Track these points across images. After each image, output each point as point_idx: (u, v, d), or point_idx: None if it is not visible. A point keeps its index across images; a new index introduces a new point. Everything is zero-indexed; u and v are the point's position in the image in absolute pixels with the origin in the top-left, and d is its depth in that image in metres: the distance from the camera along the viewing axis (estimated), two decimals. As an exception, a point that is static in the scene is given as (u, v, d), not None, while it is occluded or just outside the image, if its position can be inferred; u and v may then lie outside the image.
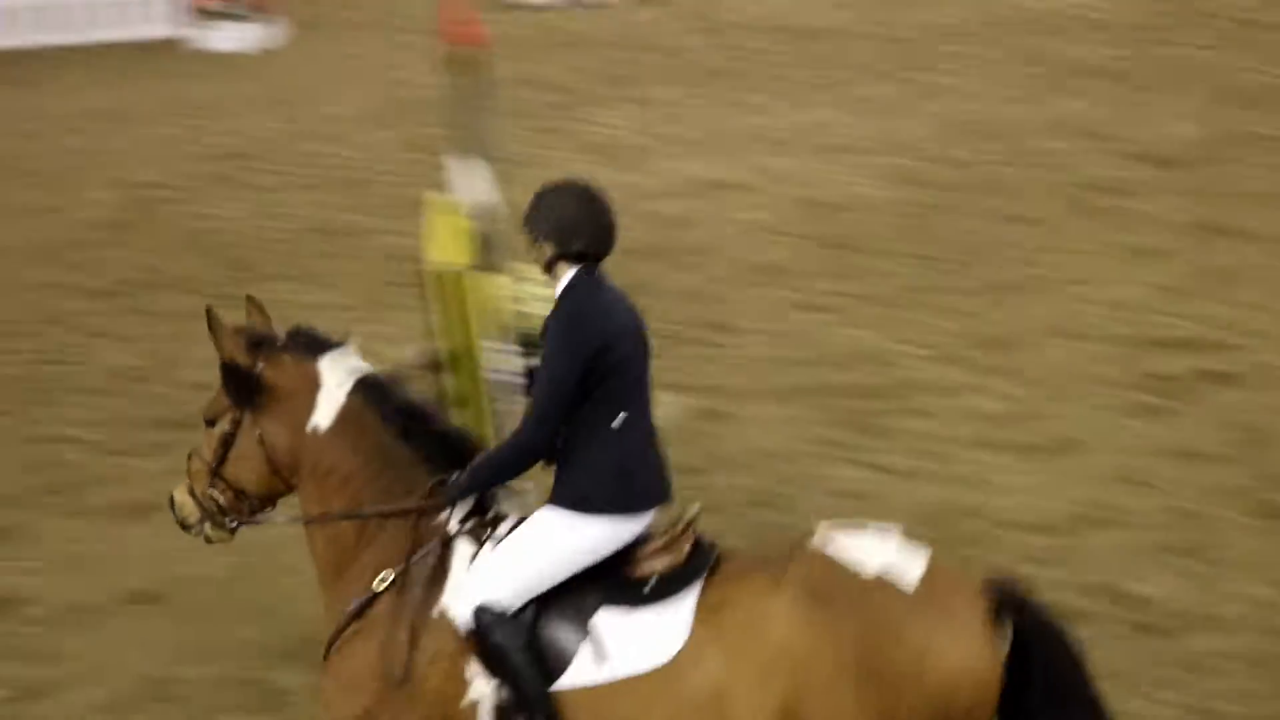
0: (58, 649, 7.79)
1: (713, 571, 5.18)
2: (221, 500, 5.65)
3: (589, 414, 5.23)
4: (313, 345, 5.58)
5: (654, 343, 5.34)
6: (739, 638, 5.01)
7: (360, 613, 5.32)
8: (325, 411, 5.47)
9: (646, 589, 5.16)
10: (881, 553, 5.07)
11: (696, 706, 5.00)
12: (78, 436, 9.83)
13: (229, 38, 18.20)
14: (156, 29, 18.63)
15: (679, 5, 18.63)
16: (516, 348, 9.56)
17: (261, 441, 5.53)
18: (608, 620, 5.16)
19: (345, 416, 5.46)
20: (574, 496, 5.22)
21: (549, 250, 5.31)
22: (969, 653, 4.96)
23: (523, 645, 5.18)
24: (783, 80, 15.70)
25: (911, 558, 5.07)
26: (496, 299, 8.03)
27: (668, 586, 5.15)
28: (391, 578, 5.30)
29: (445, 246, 5.72)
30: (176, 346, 10.96)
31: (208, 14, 18.26)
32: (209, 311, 5.71)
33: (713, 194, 12.96)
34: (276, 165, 14.29)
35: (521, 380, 6.46)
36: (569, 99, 15.58)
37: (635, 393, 5.28)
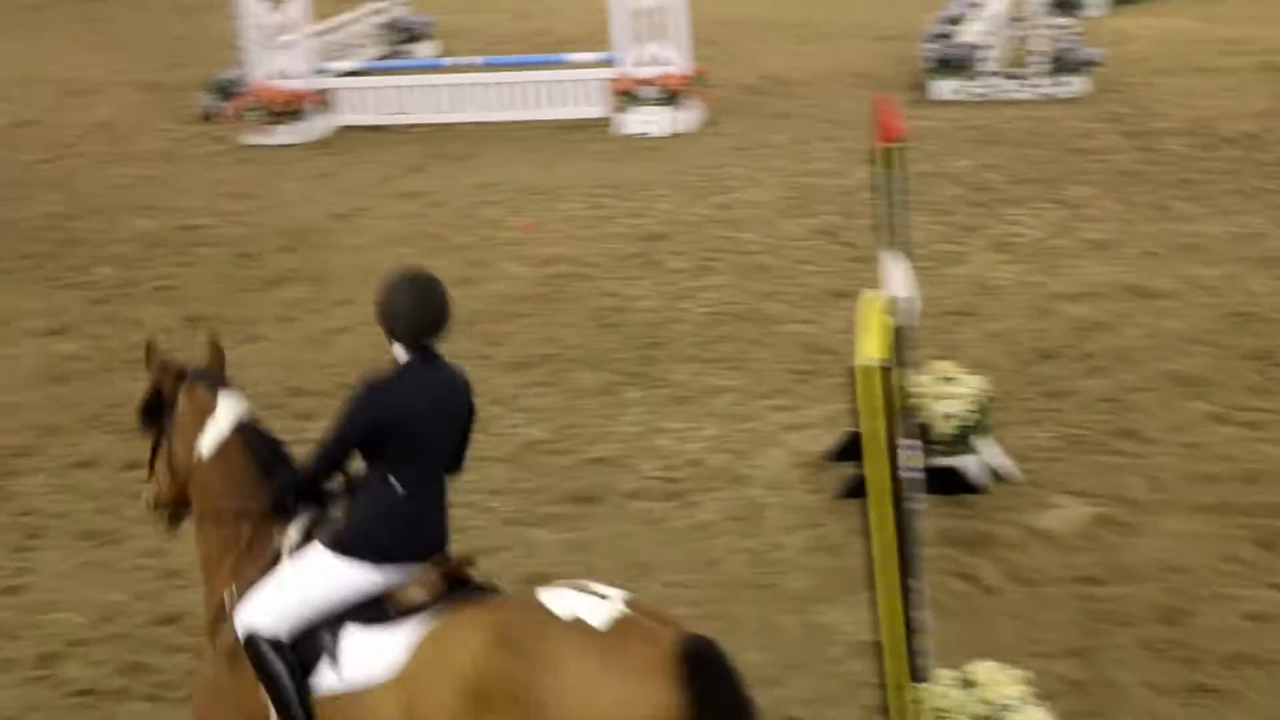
0: None
1: (456, 607, 5.79)
2: (153, 498, 6.66)
3: (371, 473, 6.07)
4: (217, 384, 6.55)
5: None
6: (435, 663, 5.61)
7: (219, 614, 6.28)
8: (210, 439, 6.44)
9: (390, 613, 5.86)
10: (588, 605, 5.53)
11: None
12: (484, 504, 10.03)
13: (646, 121, 18.51)
14: (589, 109, 19.05)
15: (1100, 105, 18.30)
16: (918, 443, 9.47)
17: (169, 455, 6.52)
18: (351, 638, 5.88)
19: (223, 446, 6.43)
20: (338, 540, 6.05)
21: (384, 333, 6.12)
22: (631, 697, 5.32)
23: (280, 659, 5.96)
24: (1207, 186, 15.27)
25: (612, 609, 5.52)
26: (904, 395, 7.99)
27: (407, 613, 5.83)
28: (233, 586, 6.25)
29: (873, 341, 5.71)
30: (585, 421, 11.12)
31: (627, 97, 18.59)
32: (149, 344, 6.76)
33: (1129, 298, 12.65)
34: (689, 248, 14.45)
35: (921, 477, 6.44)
36: (984, 196, 15.41)
37: (418, 463, 6.05)
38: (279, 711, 5.95)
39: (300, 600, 5.97)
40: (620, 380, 11.76)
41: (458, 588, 5.97)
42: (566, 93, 19.18)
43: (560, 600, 5.58)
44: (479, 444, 10.71)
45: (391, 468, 6.03)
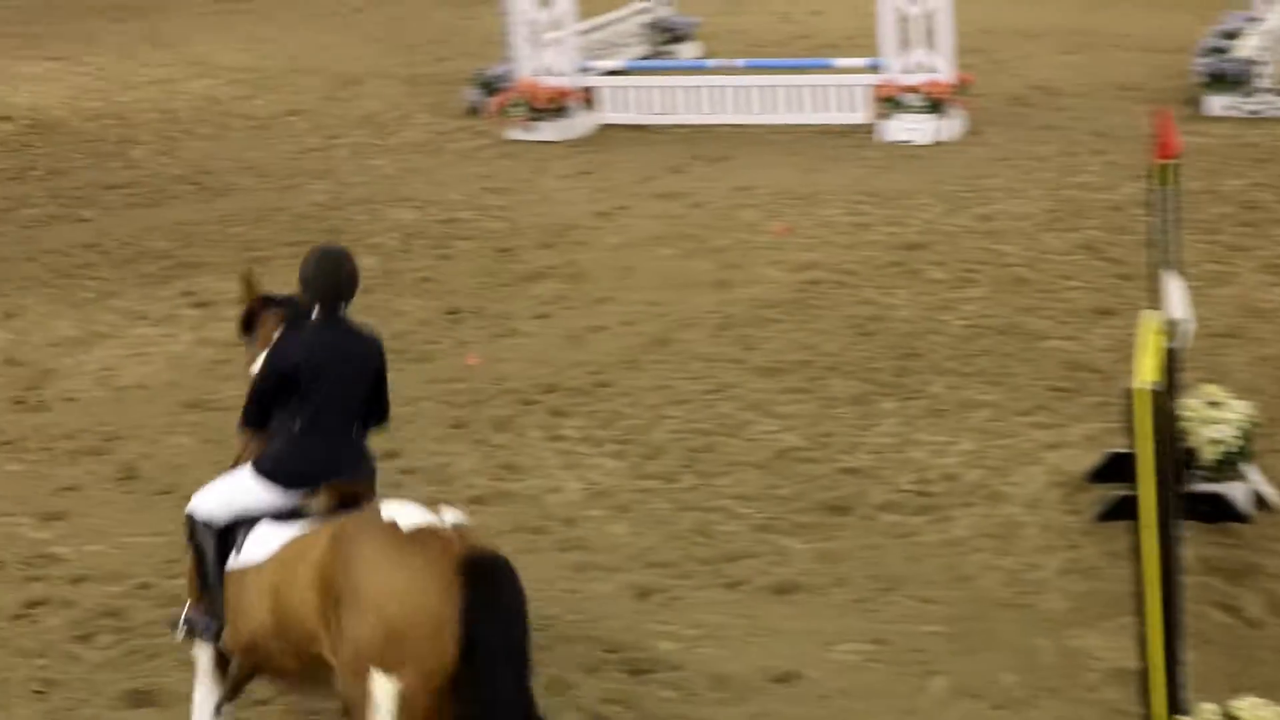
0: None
1: (334, 517, 6.98)
2: None
3: (282, 413, 7.34)
4: (288, 307, 7.97)
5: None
6: (298, 554, 6.88)
7: None
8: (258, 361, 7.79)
9: (287, 515, 7.19)
10: (409, 514, 6.70)
11: (263, 592, 6.97)
12: (732, 509, 9.97)
13: (909, 129, 18.31)
14: (852, 115, 18.91)
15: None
16: (1200, 470, 9.21)
17: (248, 361, 7.96)
18: (257, 530, 7.18)
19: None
20: (258, 463, 7.36)
21: (301, 296, 7.50)
22: (410, 590, 6.43)
23: (208, 536, 7.39)
24: None
25: (423, 518, 6.67)
26: (1183, 420, 7.77)
27: (298, 516, 7.14)
28: None
29: (1149, 363, 5.56)
30: (839, 430, 11.01)
31: (890, 103, 18.40)
32: (246, 273, 8.44)
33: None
34: (948, 259, 14.24)
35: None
36: (1255, 215, 14.98)
37: (316, 406, 7.26)
38: (199, 577, 7.48)
39: (228, 502, 7.36)
40: (875, 390, 11.63)
41: (350, 506, 7.07)
42: (829, 97, 19.04)
43: (391, 509, 6.79)
44: (731, 449, 10.75)
45: (296, 409, 7.29)
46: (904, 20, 18.49)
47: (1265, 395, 10.96)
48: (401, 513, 6.70)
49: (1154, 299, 8.87)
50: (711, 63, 20.51)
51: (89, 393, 12.33)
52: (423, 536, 6.56)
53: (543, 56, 19.51)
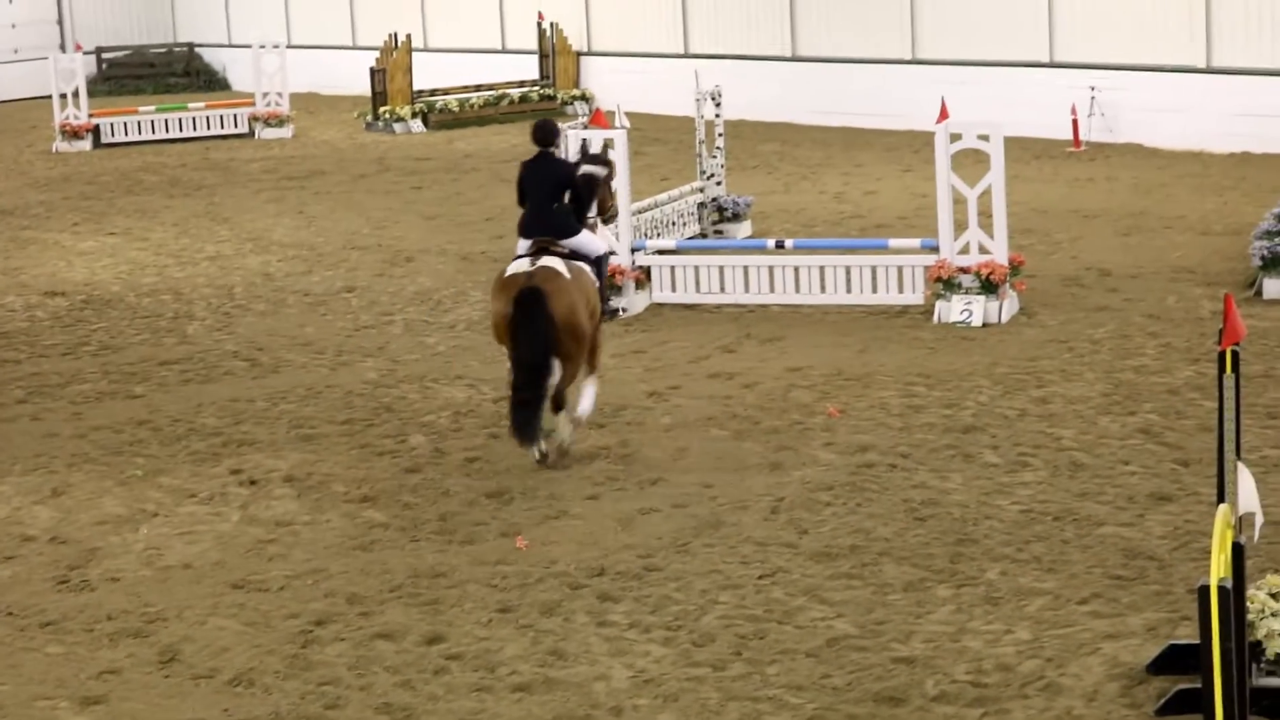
0: None
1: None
2: None
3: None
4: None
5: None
6: (510, 274, 13.87)
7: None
8: None
9: (525, 255, 14.19)
10: (518, 265, 13.94)
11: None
12: (783, 699, 9.76)
13: (963, 310, 18.23)
14: (906, 295, 18.91)
15: None
16: (1265, 664, 8.97)
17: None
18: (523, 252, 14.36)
19: None
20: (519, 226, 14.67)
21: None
22: (500, 302, 13.79)
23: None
24: None
25: (520, 269, 13.90)
26: (1248, 613, 7.57)
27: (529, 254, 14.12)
28: None
29: (1221, 559, 5.41)
30: (892, 617, 10.80)
31: (944, 284, 18.35)
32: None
33: None
34: (1003, 442, 14.09)
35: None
36: (1313, 400, 14.79)
37: (531, 197, 14.46)
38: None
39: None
40: (930, 576, 11.43)
41: (545, 254, 13.97)
42: (883, 278, 19.01)
43: (514, 265, 13.98)
44: (782, 636, 10.55)
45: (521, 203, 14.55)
46: (958, 201, 18.49)
47: (1329, 586, 10.72)
48: (512, 265, 13.98)
49: (1221, 490, 8.68)
50: (766, 242, 20.51)
51: (134, 572, 12.22)
52: (511, 278, 13.78)
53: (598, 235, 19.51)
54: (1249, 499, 8.45)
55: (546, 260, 13.75)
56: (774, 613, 10.97)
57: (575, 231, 14.26)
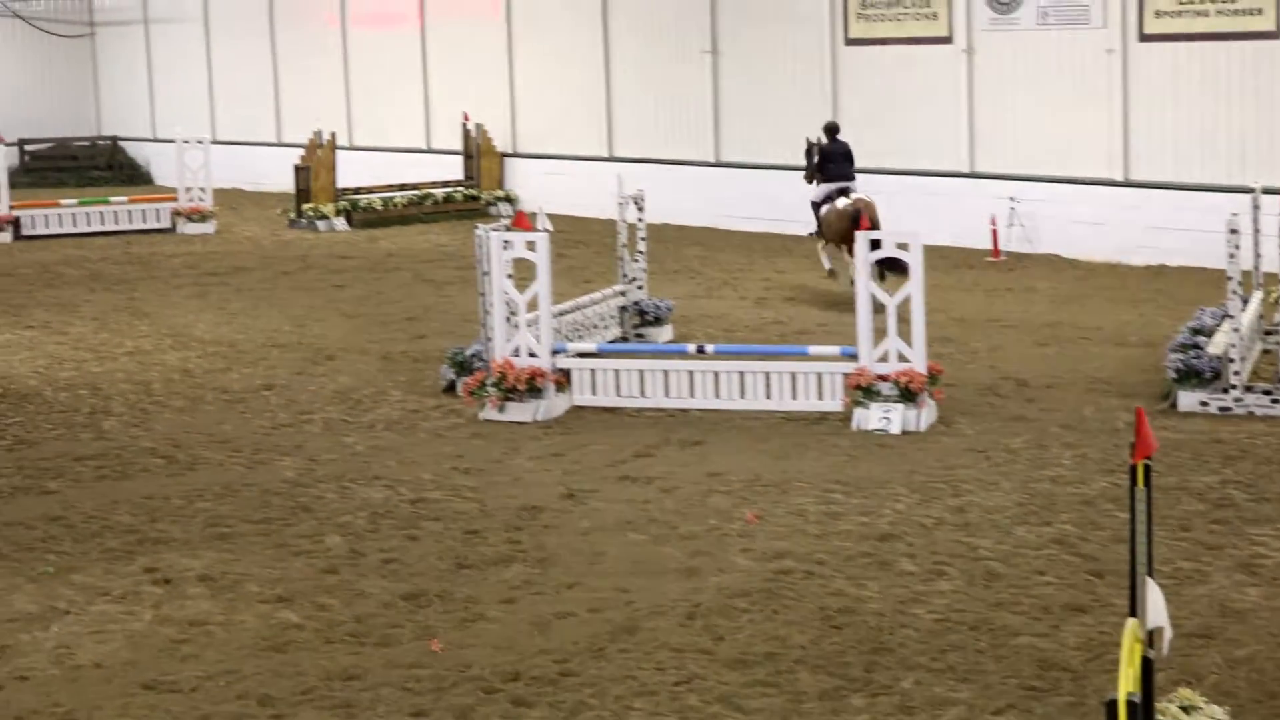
0: None
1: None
2: None
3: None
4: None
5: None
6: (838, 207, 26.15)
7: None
8: None
9: (837, 194, 26.97)
10: (842, 200, 25.93)
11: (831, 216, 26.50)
12: (697, 807, 9.73)
13: (881, 418, 18.34)
14: (824, 403, 19.04)
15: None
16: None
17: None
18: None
19: None
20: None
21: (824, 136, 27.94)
22: (842, 214, 25.31)
23: (816, 211, 27.23)
24: None
25: (845, 202, 25.83)
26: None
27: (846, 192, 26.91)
28: None
29: (1130, 674, 5.46)
30: (805, 727, 10.80)
31: (863, 392, 18.46)
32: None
33: (1383, 631, 12.07)
34: (920, 550, 14.15)
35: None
36: (1228, 513, 14.93)
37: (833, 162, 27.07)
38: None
39: (823, 193, 27.01)
40: (845, 685, 11.43)
41: (847, 193, 26.18)
42: (801, 384, 19.11)
43: (840, 201, 26.08)
44: (697, 745, 10.54)
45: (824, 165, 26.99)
46: (877, 309, 18.64)
47: (1240, 699, 10.81)
48: (840, 200, 25.74)
49: (1134, 604, 8.75)
50: (686, 347, 20.59)
51: (44, 671, 12.08)
52: (843, 207, 25.37)
53: (518, 337, 19.58)
54: (1158, 614, 8.51)
55: (856, 195, 26.03)
56: (692, 722, 10.95)
57: (854, 178, 27.00)
